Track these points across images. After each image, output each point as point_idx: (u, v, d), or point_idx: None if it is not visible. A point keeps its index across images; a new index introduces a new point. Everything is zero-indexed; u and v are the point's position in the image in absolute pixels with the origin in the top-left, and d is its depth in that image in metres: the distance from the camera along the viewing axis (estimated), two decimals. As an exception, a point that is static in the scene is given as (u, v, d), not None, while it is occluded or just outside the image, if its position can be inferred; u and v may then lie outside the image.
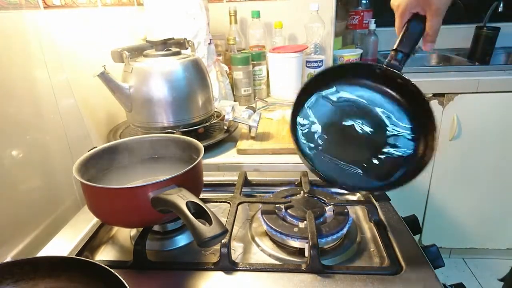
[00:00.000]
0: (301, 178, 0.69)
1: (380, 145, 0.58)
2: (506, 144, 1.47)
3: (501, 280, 0.79)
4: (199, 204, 0.44)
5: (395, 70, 0.58)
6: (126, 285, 0.39)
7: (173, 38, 0.88)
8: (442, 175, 1.55)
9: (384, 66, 0.58)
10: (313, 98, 0.61)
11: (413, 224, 0.61)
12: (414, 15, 0.57)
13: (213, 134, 0.91)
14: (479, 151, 1.50)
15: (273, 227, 0.55)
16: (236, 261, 0.52)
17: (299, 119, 0.60)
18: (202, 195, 0.64)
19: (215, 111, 0.97)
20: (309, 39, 1.35)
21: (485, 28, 1.67)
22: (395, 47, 0.58)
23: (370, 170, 0.57)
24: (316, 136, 0.59)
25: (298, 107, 0.59)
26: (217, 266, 0.50)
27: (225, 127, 0.90)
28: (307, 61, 1.31)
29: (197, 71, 0.85)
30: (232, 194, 0.67)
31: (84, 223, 0.62)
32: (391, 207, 0.63)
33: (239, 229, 0.61)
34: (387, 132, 0.59)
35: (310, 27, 1.32)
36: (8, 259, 0.59)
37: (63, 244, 0.57)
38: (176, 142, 0.65)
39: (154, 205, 0.48)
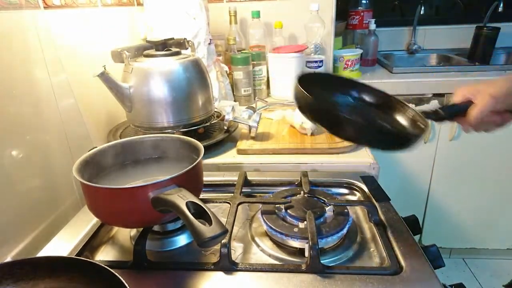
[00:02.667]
0: (301, 178, 0.69)
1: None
2: (506, 144, 1.47)
3: (506, 286, 0.78)
4: (199, 204, 0.44)
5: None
6: (126, 285, 0.39)
7: (173, 38, 0.88)
8: (442, 175, 1.55)
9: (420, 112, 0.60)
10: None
11: (413, 224, 0.61)
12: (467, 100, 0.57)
13: (213, 134, 0.91)
14: (479, 151, 1.50)
15: (273, 227, 0.55)
16: (236, 261, 0.52)
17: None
18: (202, 195, 0.64)
19: (215, 111, 0.97)
20: (309, 39, 1.35)
21: (485, 28, 1.67)
22: (438, 107, 0.59)
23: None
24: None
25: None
26: (217, 266, 0.50)
27: (225, 127, 0.90)
28: (307, 61, 1.31)
29: (197, 71, 0.85)
30: (232, 194, 0.67)
31: (84, 223, 0.62)
32: (391, 207, 0.63)
33: (239, 229, 0.61)
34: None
35: (310, 27, 1.32)
36: (8, 259, 0.59)
37: (63, 244, 0.57)
38: (176, 142, 0.65)
39: (154, 205, 0.48)
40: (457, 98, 0.58)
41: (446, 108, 0.58)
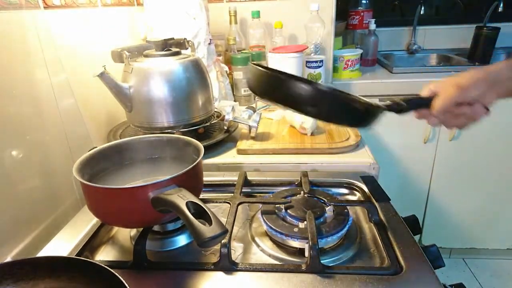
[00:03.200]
0: (301, 178, 0.69)
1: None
2: (506, 144, 1.47)
3: None
4: (199, 204, 0.44)
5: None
6: (126, 285, 0.39)
7: (173, 38, 0.88)
8: (442, 175, 1.55)
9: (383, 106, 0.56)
10: None
11: (413, 224, 0.61)
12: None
13: (213, 134, 0.91)
14: (479, 151, 1.50)
15: (273, 227, 0.55)
16: (236, 261, 0.52)
17: None
18: (202, 195, 0.64)
19: (215, 111, 0.97)
20: (309, 39, 1.35)
21: (485, 28, 1.67)
22: (400, 99, 0.57)
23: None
24: None
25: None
26: (217, 266, 0.50)
27: (225, 127, 0.90)
28: (307, 61, 1.31)
29: (197, 71, 0.85)
30: (232, 194, 0.67)
31: (84, 223, 0.62)
32: (391, 207, 0.63)
33: (239, 229, 0.61)
34: None
35: (310, 27, 1.32)
36: (8, 259, 0.59)
37: (63, 244, 0.57)
38: (176, 142, 0.65)
39: (154, 205, 0.48)
40: (424, 93, 0.57)
41: (408, 100, 0.56)
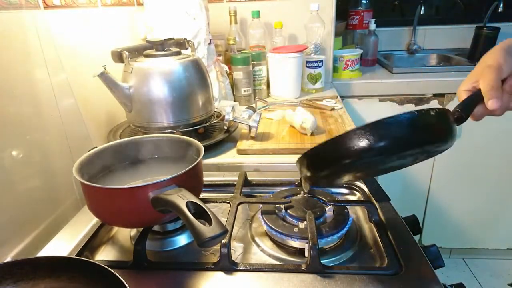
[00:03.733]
0: (301, 178, 0.69)
1: None
2: (506, 144, 1.47)
3: (510, 285, 0.78)
4: (199, 204, 0.44)
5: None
6: (126, 285, 0.39)
7: (173, 38, 0.88)
8: (442, 175, 1.55)
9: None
10: None
11: (413, 224, 0.61)
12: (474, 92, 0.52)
13: (213, 134, 0.91)
14: (479, 151, 1.50)
15: (273, 227, 0.55)
16: (236, 261, 0.52)
17: None
18: (202, 195, 0.64)
19: (215, 111, 0.97)
20: (309, 39, 1.35)
21: (485, 28, 1.67)
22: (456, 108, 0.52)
23: None
24: None
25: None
26: (217, 266, 0.50)
27: (225, 127, 0.90)
28: (307, 61, 1.31)
29: (197, 71, 0.85)
30: (232, 194, 0.67)
31: (84, 223, 0.62)
32: (391, 207, 0.63)
33: (239, 229, 0.61)
34: None
35: (310, 27, 1.32)
36: (8, 259, 0.59)
37: (63, 244, 0.57)
38: (176, 142, 0.65)
39: (154, 205, 0.48)
40: (463, 96, 0.54)
41: (462, 106, 0.52)
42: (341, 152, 0.44)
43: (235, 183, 0.69)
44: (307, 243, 0.50)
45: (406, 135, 0.44)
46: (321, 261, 0.49)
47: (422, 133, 0.45)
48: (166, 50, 0.84)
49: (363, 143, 0.43)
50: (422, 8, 1.84)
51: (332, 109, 1.11)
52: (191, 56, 0.86)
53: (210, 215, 0.42)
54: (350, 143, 0.43)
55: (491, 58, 0.51)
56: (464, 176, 1.55)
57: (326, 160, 0.47)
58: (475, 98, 0.51)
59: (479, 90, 0.50)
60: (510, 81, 0.49)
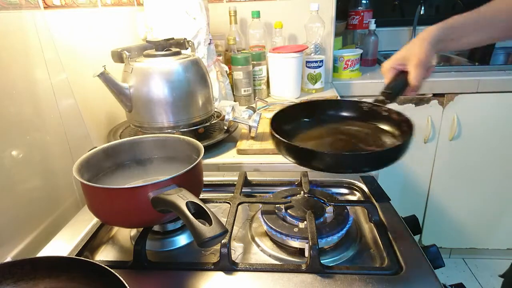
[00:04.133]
0: (301, 178, 0.69)
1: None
2: (506, 144, 1.47)
3: (501, 276, 0.80)
4: (199, 204, 0.44)
5: (380, 104, 0.63)
6: (126, 285, 0.39)
7: (173, 38, 0.88)
8: (442, 175, 1.55)
9: (371, 103, 0.63)
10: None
11: (413, 224, 0.61)
12: (398, 71, 0.64)
13: (213, 134, 0.91)
14: (479, 151, 1.50)
15: (273, 227, 0.55)
16: (236, 261, 0.52)
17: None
18: (202, 195, 0.64)
19: (215, 111, 0.97)
20: (309, 39, 1.35)
21: (485, 28, 1.67)
22: (382, 90, 0.63)
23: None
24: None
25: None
26: (217, 266, 0.50)
27: (225, 127, 0.90)
28: (307, 61, 1.31)
29: (197, 71, 0.85)
30: (232, 194, 0.67)
31: (84, 223, 0.62)
32: (391, 207, 0.63)
33: (239, 229, 0.61)
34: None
35: (310, 27, 1.32)
36: (8, 259, 0.59)
37: (63, 244, 0.57)
38: (176, 142, 0.65)
39: (154, 205, 0.48)
40: (389, 73, 0.65)
41: (390, 89, 0.63)
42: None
43: (235, 183, 0.69)
44: (307, 243, 0.50)
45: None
46: (321, 261, 0.49)
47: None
48: (166, 50, 0.84)
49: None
50: (422, 8, 1.84)
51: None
52: (191, 56, 0.86)
53: (210, 215, 0.42)
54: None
55: (418, 49, 0.61)
56: (464, 176, 1.55)
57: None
58: (403, 85, 0.63)
59: (405, 78, 0.62)
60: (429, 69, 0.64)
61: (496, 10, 0.64)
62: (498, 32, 0.65)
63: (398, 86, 0.63)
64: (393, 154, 0.51)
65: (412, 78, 0.62)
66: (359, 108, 0.65)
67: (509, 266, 0.80)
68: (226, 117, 0.88)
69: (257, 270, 0.50)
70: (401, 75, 0.63)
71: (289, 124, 0.64)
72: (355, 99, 1.47)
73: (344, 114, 0.66)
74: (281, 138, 0.53)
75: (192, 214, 0.42)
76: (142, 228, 0.55)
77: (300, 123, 0.65)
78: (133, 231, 0.61)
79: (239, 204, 0.61)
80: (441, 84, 1.42)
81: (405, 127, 0.58)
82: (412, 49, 0.62)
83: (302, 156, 0.53)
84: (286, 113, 0.64)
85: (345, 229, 0.55)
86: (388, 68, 0.65)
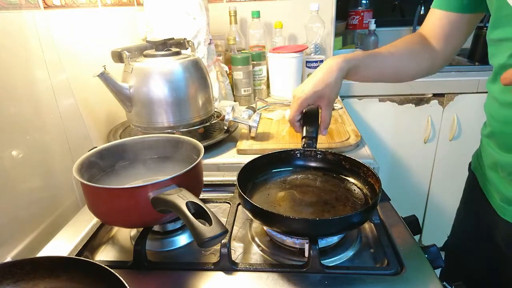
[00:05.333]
0: (301, 178, 0.69)
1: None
2: (506, 144, 1.47)
3: (441, 249, 0.81)
4: (199, 204, 0.44)
5: (312, 148, 0.69)
6: (126, 285, 0.39)
7: (173, 38, 0.88)
8: (442, 175, 1.55)
9: (302, 149, 0.69)
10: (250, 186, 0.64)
11: (413, 224, 0.61)
12: (309, 106, 0.71)
13: (213, 134, 0.91)
14: (479, 151, 1.49)
15: (273, 227, 0.55)
16: (236, 261, 0.52)
17: None
18: (202, 195, 0.64)
19: (215, 111, 0.97)
20: (309, 39, 1.35)
21: (485, 28, 1.67)
22: (303, 135, 0.71)
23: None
24: None
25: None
26: (217, 266, 0.50)
27: (225, 127, 0.90)
28: (307, 61, 1.31)
29: (197, 71, 0.85)
30: (232, 194, 0.67)
31: (84, 223, 0.62)
32: (391, 207, 0.63)
33: (239, 229, 0.61)
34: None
35: (310, 27, 1.32)
36: (8, 259, 0.59)
37: (63, 244, 0.57)
38: (176, 142, 0.65)
39: (154, 205, 0.48)
40: (296, 124, 0.72)
41: (312, 132, 0.70)
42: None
43: (235, 183, 0.69)
44: (307, 243, 0.50)
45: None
46: (321, 261, 0.49)
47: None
48: (166, 50, 0.84)
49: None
50: (422, 8, 1.84)
51: (332, 109, 1.11)
52: (191, 56, 0.86)
53: (210, 215, 0.42)
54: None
55: (329, 90, 0.67)
56: (464, 176, 1.54)
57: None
58: (315, 124, 0.71)
59: (317, 118, 0.70)
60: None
61: (389, 54, 0.73)
62: (387, 74, 0.75)
63: (315, 128, 0.71)
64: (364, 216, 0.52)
65: (325, 116, 0.71)
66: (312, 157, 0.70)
67: (447, 239, 0.82)
68: (226, 117, 0.88)
69: (257, 270, 0.50)
70: (310, 113, 0.71)
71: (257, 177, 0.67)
72: (355, 99, 1.48)
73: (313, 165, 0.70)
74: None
75: (192, 214, 0.42)
76: (142, 228, 0.55)
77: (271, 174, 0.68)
78: (133, 231, 0.61)
79: (239, 204, 0.61)
80: (441, 84, 1.42)
81: (371, 181, 0.60)
82: (323, 91, 0.68)
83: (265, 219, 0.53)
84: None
85: (345, 229, 0.55)
86: (302, 102, 0.69)
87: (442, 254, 0.71)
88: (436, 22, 0.71)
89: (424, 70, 0.76)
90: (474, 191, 0.69)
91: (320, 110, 0.71)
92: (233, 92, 1.22)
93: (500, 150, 0.59)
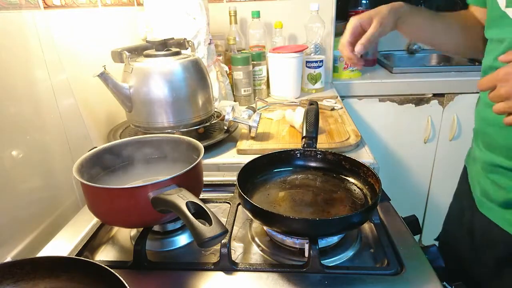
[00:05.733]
0: (301, 178, 0.69)
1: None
2: (506, 144, 1.47)
3: (436, 239, 0.83)
4: (199, 204, 0.44)
5: (312, 148, 0.69)
6: (126, 285, 0.39)
7: (173, 38, 0.88)
8: (442, 175, 1.55)
9: (302, 149, 0.69)
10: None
11: (413, 224, 0.61)
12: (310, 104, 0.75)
13: (213, 134, 0.91)
14: (479, 151, 1.49)
15: (273, 227, 0.55)
16: (236, 261, 0.52)
17: None
18: (202, 195, 0.64)
19: (215, 111, 0.97)
20: (309, 39, 1.35)
21: (485, 28, 1.67)
22: (303, 135, 0.72)
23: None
24: None
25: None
26: (217, 266, 0.50)
27: (225, 127, 0.90)
28: (307, 61, 1.31)
29: (197, 71, 0.85)
30: (232, 194, 0.67)
31: (84, 223, 0.62)
32: (391, 207, 0.63)
33: (239, 229, 0.61)
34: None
35: (310, 27, 1.32)
36: (8, 259, 0.59)
37: (63, 244, 0.57)
38: (176, 142, 0.65)
39: (154, 205, 0.48)
40: (353, 29, 0.70)
41: (312, 132, 0.71)
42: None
43: (235, 183, 0.69)
44: (307, 243, 0.50)
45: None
46: (321, 261, 0.49)
47: None
48: (166, 50, 0.84)
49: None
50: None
51: (332, 109, 1.11)
52: (191, 56, 0.86)
53: (210, 215, 0.42)
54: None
55: (386, 14, 0.69)
56: (464, 176, 1.55)
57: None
58: (316, 125, 0.72)
59: (311, 113, 0.73)
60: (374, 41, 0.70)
61: (453, 23, 0.72)
62: (447, 44, 0.75)
63: (315, 128, 0.72)
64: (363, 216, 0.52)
65: (371, 28, 0.68)
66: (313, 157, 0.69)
67: (441, 231, 0.84)
68: (226, 117, 0.88)
69: (257, 270, 0.50)
70: (309, 118, 0.73)
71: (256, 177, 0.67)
72: (355, 99, 1.48)
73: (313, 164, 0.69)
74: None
75: (192, 214, 0.42)
76: (142, 228, 0.55)
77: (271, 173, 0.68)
78: (133, 231, 0.61)
79: (239, 204, 0.61)
80: (441, 84, 1.42)
81: (371, 181, 0.60)
82: (379, 10, 0.69)
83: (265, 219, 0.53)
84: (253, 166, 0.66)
85: (345, 229, 0.55)
86: (345, 43, 0.70)
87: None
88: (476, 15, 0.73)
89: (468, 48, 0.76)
90: (464, 185, 0.73)
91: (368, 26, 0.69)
92: (233, 92, 1.22)
93: (481, 147, 0.62)
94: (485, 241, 0.62)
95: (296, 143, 0.86)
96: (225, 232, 0.41)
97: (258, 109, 1.12)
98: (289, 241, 0.54)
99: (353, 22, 0.70)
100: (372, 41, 0.69)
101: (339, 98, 1.27)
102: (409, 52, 1.90)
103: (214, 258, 0.53)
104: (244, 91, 1.21)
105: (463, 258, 0.70)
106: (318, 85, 1.36)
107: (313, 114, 0.73)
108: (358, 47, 0.69)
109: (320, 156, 0.69)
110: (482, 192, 0.62)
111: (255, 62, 1.24)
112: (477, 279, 0.65)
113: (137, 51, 0.87)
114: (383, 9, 0.69)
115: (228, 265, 0.50)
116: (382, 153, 1.54)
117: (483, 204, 0.62)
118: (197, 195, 0.56)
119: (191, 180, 0.54)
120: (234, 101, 1.20)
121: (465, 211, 0.70)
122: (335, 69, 1.54)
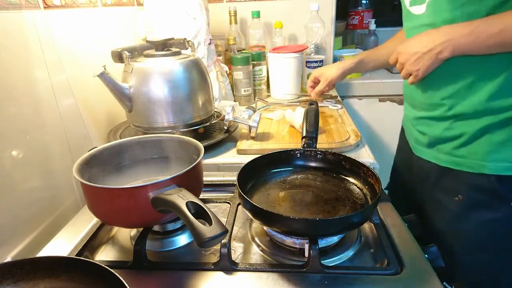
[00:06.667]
0: (301, 178, 0.69)
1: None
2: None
3: (385, 188, 0.95)
4: (199, 204, 0.44)
5: (312, 148, 0.70)
6: (126, 285, 0.39)
7: (173, 38, 0.88)
8: (442, 175, 1.55)
9: (302, 149, 0.71)
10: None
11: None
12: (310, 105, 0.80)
13: (213, 134, 0.91)
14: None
15: (273, 227, 0.55)
16: (236, 261, 0.52)
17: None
18: (202, 195, 0.64)
19: (215, 111, 0.97)
20: (309, 39, 1.35)
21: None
22: (303, 135, 0.73)
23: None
24: None
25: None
26: (217, 266, 0.50)
27: (225, 127, 0.90)
28: (307, 61, 1.31)
29: (197, 71, 0.85)
30: (232, 194, 0.67)
31: (84, 223, 0.62)
32: (391, 207, 0.63)
33: (239, 229, 0.61)
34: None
35: (310, 27, 1.32)
36: (8, 259, 0.59)
37: (63, 244, 0.57)
38: (176, 142, 0.65)
39: (154, 205, 0.48)
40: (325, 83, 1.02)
41: (312, 132, 0.72)
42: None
43: (235, 183, 0.69)
44: (307, 243, 0.50)
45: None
46: (321, 261, 0.49)
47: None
48: (166, 50, 0.84)
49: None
50: (422, 8, 1.84)
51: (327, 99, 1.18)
52: (191, 56, 0.86)
53: (210, 215, 0.42)
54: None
55: (334, 73, 1.01)
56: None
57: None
58: (316, 123, 0.75)
59: (311, 112, 0.78)
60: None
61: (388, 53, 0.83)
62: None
63: (315, 128, 0.74)
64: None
65: (319, 85, 1.03)
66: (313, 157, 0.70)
67: (389, 180, 1.00)
68: (226, 117, 0.88)
69: (257, 270, 0.50)
70: (309, 118, 0.75)
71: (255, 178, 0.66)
72: (355, 99, 1.48)
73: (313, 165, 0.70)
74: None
75: (192, 214, 0.42)
76: (142, 228, 0.55)
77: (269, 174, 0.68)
78: (133, 231, 0.61)
79: (239, 204, 0.61)
80: (441, 84, 1.42)
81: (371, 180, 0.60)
82: (330, 71, 1.01)
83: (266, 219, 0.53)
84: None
85: (345, 229, 0.55)
86: (308, 86, 1.08)
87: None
88: None
89: None
90: (402, 140, 0.92)
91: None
92: (233, 92, 1.22)
93: (408, 107, 0.84)
94: (420, 173, 0.80)
95: (296, 143, 0.86)
96: (225, 232, 0.41)
97: (258, 109, 1.12)
98: (289, 241, 0.54)
99: (313, 75, 1.06)
100: (320, 94, 1.05)
101: (339, 98, 1.27)
102: (409, 52, 1.89)
103: (214, 258, 0.53)
104: (244, 91, 1.21)
105: (405, 191, 0.89)
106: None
107: (313, 114, 0.73)
108: (313, 96, 1.06)
109: (320, 156, 0.69)
110: (415, 140, 0.81)
111: (255, 62, 1.24)
112: (417, 204, 0.83)
113: (137, 51, 0.87)
114: (333, 69, 1.00)
115: (228, 265, 0.50)
116: (382, 153, 1.53)
117: (416, 148, 0.81)
118: (197, 195, 0.56)
119: (191, 180, 0.54)
120: (234, 101, 1.20)
121: (405, 157, 0.88)
122: (335, 69, 1.54)
